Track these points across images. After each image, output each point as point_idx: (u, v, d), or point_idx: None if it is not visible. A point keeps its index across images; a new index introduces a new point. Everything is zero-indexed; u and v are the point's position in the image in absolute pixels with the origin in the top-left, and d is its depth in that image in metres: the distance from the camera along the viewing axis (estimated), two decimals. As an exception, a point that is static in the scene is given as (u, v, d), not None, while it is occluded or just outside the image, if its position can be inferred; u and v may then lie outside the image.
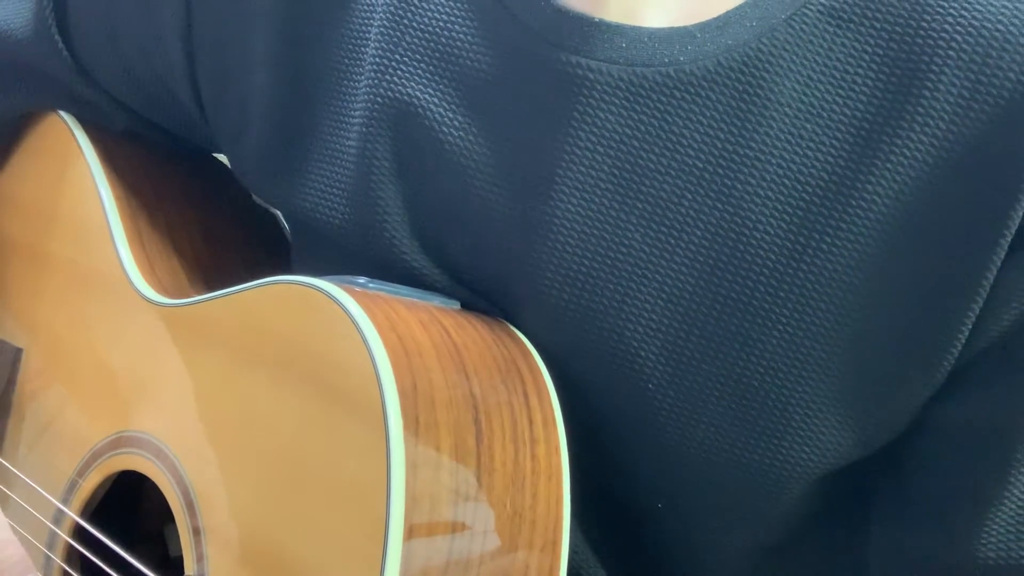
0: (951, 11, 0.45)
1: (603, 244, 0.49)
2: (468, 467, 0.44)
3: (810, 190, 0.47)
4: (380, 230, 0.54)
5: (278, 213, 0.71)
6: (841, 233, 0.47)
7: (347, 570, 0.43)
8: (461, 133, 0.51)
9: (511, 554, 0.46)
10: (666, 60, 0.48)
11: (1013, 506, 0.48)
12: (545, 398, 0.49)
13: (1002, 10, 0.45)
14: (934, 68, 0.45)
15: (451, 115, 0.52)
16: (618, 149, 0.49)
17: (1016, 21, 0.45)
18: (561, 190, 0.50)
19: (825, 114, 0.47)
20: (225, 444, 0.51)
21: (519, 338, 0.51)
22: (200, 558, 0.50)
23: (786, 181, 0.47)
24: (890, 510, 0.51)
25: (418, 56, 0.53)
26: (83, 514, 0.59)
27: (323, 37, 0.56)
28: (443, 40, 0.52)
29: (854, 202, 0.46)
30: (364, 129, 0.54)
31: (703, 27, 0.48)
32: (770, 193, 0.47)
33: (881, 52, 0.46)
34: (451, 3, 0.53)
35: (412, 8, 0.53)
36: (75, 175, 0.67)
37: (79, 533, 0.59)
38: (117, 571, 0.56)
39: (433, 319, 0.48)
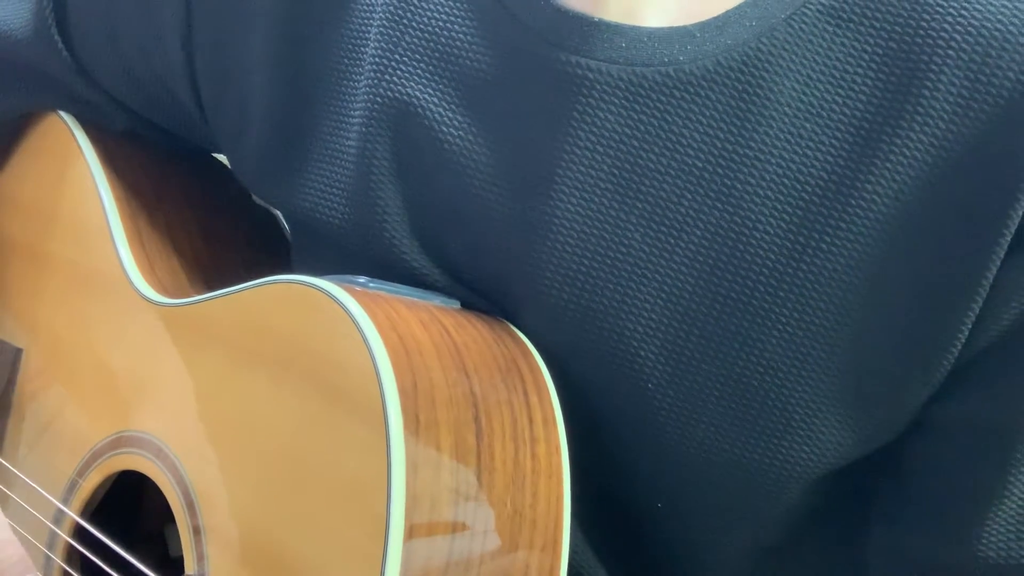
0: (950, 11, 0.45)
1: (603, 244, 0.49)
2: (468, 466, 0.44)
3: (810, 190, 0.47)
4: (380, 230, 0.54)
5: (278, 213, 0.71)
6: (841, 233, 0.47)
7: (347, 569, 0.43)
8: (461, 133, 0.51)
9: (511, 553, 0.46)
10: (666, 60, 0.48)
11: (1013, 505, 0.48)
12: (545, 397, 0.49)
13: (1001, 10, 0.45)
14: (933, 68, 0.45)
15: (451, 115, 0.52)
16: (618, 149, 0.49)
17: (1015, 20, 0.45)
18: (561, 190, 0.50)
19: (825, 114, 0.47)
20: (225, 443, 0.51)
21: (519, 337, 0.51)
22: (201, 558, 0.50)
23: (786, 181, 0.47)
24: (890, 510, 0.51)
25: (418, 56, 0.53)
26: (83, 514, 0.59)
27: (323, 37, 0.56)
28: (443, 40, 0.52)
29: (854, 202, 0.46)
30: (364, 129, 0.54)
31: (703, 27, 0.48)
32: (770, 193, 0.47)
33: (881, 52, 0.46)
34: (451, 3, 0.53)
35: (412, 8, 0.53)
36: (75, 175, 0.67)
37: (79, 533, 0.59)
38: (117, 571, 0.56)
39: (433, 318, 0.48)
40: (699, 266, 0.48)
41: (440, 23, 0.53)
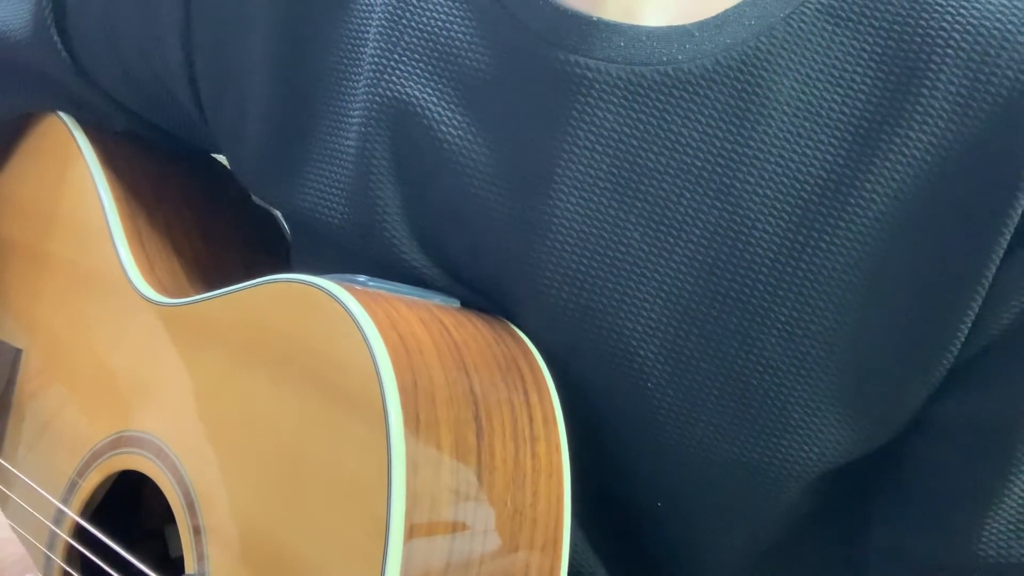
0: (949, 9, 0.45)
1: (602, 243, 0.49)
2: (469, 465, 0.44)
3: (809, 189, 0.47)
4: (379, 230, 0.54)
5: (278, 213, 0.71)
6: (840, 231, 0.47)
7: (348, 569, 0.43)
8: (460, 132, 0.51)
9: (512, 553, 0.46)
10: (664, 59, 0.48)
11: (1013, 505, 0.48)
12: (545, 396, 0.49)
13: (1000, 8, 0.45)
14: (932, 66, 0.45)
15: (450, 115, 0.52)
16: (617, 148, 0.49)
17: (1014, 19, 0.45)
18: (560, 189, 0.50)
19: (824, 113, 0.47)
20: (225, 443, 0.50)
21: (519, 336, 0.51)
22: (201, 557, 0.50)
23: (784, 180, 0.47)
24: (890, 510, 0.51)
25: (417, 56, 0.53)
26: (83, 514, 0.59)
27: (322, 37, 0.56)
28: (442, 40, 0.52)
29: (853, 200, 0.46)
30: (363, 129, 0.54)
31: (701, 26, 0.48)
32: (769, 192, 0.47)
33: (880, 50, 0.46)
34: (450, 3, 0.53)
35: (411, 8, 0.53)
36: (74, 176, 0.67)
37: (79, 533, 0.59)
38: (118, 571, 0.56)
39: (433, 317, 0.48)
40: (698, 265, 0.48)
41: (439, 23, 0.53)
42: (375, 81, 0.53)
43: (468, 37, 0.52)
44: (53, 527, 0.60)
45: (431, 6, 0.53)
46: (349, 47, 0.55)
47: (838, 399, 0.48)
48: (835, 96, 0.47)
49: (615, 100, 0.48)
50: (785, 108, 0.47)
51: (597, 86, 0.48)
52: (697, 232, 0.48)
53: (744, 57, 0.47)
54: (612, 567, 0.56)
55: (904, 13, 0.46)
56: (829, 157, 0.47)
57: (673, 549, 0.55)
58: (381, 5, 0.54)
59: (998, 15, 0.45)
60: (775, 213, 0.47)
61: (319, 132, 0.56)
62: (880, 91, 0.46)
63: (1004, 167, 0.45)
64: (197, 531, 0.51)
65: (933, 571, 0.50)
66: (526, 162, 0.50)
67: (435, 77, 0.52)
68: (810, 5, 0.47)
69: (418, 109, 0.52)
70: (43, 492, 0.61)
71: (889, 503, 0.51)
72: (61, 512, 0.60)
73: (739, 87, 0.47)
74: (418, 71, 0.53)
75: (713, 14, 0.48)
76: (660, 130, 0.48)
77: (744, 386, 0.48)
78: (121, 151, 0.68)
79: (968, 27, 0.45)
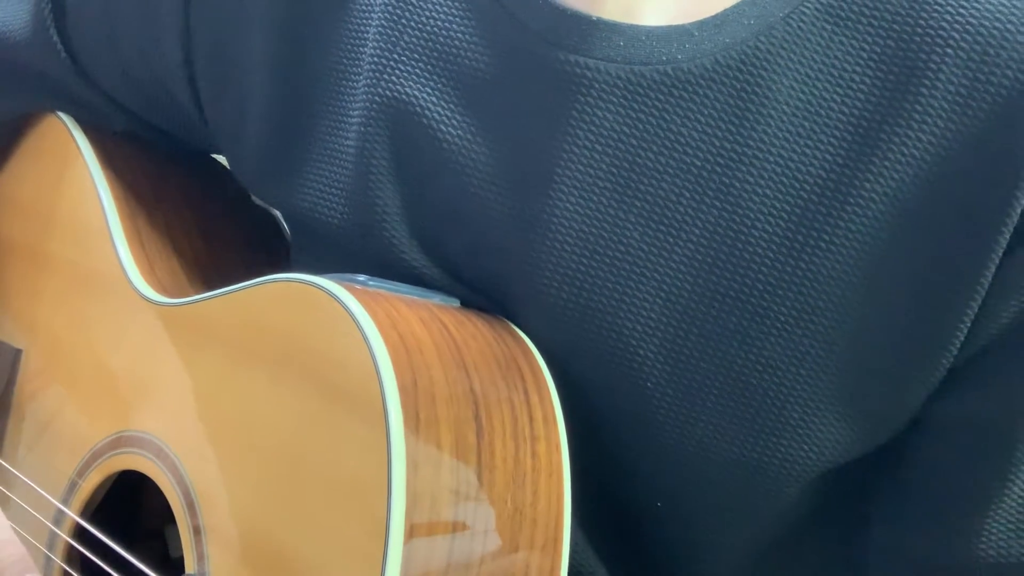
0: (949, 8, 0.45)
1: (601, 243, 0.49)
2: (469, 464, 0.44)
3: (808, 188, 0.47)
4: (379, 230, 0.54)
5: (277, 213, 0.71)
6: (839, 231, 0.47)
7: (348, 568, 0.43)
8: (459, 132, 0.51)
9: (512, 552, 0.45)
10: (664, 58, 0.48)
11: (1013, 504, 0.48)
12: (545, 395, 0.49)
13: (1000, 7, 0.45)
14: (932, 66, 0.45)
15: (449, 114, 0.52)
16: (616, 147, 0.49)
17: (1014, 18, 0.45)
18: (559, 189, 0.50)
19: (823, 112, 0.47)
20: (225, 443, 0.50)
21: (519, 335, 0.51)
22: (201, 557, 0.50)
23: (784, 179, 0.47)
24: (890, 509, 0.51)
25: (416, 56, 0.53)
26: (83, 514, 0.59)
27: (321, 37, 0.56)
28: (441, 39, 0.52)
29: (852, 200, 0.46)
30: (363, 129, 0.54)
31: (701, 25, 0.48)
32: (768, 191, 0.47)
33: (879, 50, 0.46)
34: (449, 2, 0.53)
35: (410, 8, 0.53)
36: (74, 176, 0.67)
37: (79, 533, 0.59)
38: (118, 571, 0.56)
39: (433, 316, 0.48)
40: (698, 264, 0.48)
41: (439, 22, 0.53)
42: (375, 81, 0.53)
43: (468, 37, 0.52)
44: (53, 527, 0.60)
45: (431, 6, 0.53)
46: (349, 47, 0.55)
47: (838, 398, 0.48)
48: (834, 96, 0.47)
49: (615, 100, 0.48)
50: (784, 108, 0.47)
51: (597, 86, 0.49)
52: (697, 231, 0.48)
53: (743, 57, 0.47)
54: (612, 567, 0.56)
55: (904, 13, 0.46)
56: (828, 157, 0.47)
57: (673, 549, 0.55)
58: (381, 5, 0.54)
59: (998, 15, 0.45)
60: (775, 213, 0.47)
61: (319, 132, 0.56)
62: (880, 91, 0.46)
63: (1004, 166, 0.45)
64: (197, 531, 0.51)
65: (933, 571, 0.50)
66: (526, 162, 0.50)
67: (435, 77, 0.52)
68: (809, 5, 0.47)
69: (418, 109, 0.52)
70: (43, 492, 0.61)
71: (889, 503, 0.51)
72: (61, 512, 0.60)
73: (738, 87, 0.47)
74: (418, 71, 0.53)
75: (712, 14, 0.48)
76: (660, 130, 0.48)
77: (744, 385, 0.48)
78: (120, 151, 0.68)
79: (968, 27, 0.45)
